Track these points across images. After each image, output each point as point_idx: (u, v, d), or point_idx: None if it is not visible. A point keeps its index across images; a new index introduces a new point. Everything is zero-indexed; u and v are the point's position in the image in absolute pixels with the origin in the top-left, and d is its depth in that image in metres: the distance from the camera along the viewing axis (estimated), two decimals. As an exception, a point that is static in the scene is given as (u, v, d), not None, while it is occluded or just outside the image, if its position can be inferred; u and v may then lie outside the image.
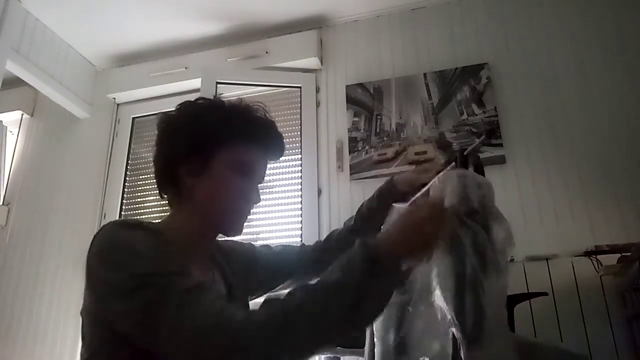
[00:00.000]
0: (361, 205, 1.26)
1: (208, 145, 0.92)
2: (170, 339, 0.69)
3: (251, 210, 0.98)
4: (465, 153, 1.02)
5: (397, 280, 0.76)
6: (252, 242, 1.16)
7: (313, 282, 0.76)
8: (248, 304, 1.06)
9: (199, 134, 0.92)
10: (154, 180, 0.97)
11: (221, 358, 0.66)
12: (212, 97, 0.99)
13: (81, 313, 0.85)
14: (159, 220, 0.96)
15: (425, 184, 1.09)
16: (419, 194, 1.09)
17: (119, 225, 0.83)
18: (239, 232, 0.96)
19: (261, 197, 0.99)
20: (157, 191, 0.97)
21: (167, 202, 0.98)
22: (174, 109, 0.98)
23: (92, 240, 0.81)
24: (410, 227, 0.78)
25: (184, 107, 0.97)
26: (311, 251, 1.18)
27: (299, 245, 1.22)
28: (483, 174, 0.98)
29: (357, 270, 0.71)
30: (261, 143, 0.97)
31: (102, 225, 0.84)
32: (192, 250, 0.91)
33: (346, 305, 0.69)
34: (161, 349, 0.71)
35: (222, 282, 0.98)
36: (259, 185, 0.99)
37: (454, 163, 1.07)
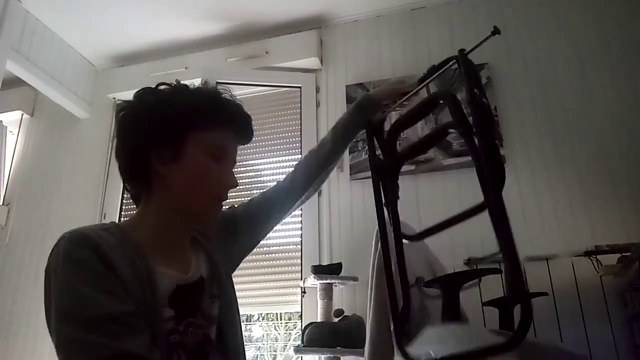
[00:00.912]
0: (336, 123, 1.30)
1: (180, 130, 0.88)
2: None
3: (227, 195, 0.95)
4: (465, 52, 1.04)
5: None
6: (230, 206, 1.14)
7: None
8: (231, 278, 1.04)
9: (169, 119, 0.88)
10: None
11: None
12: (173, 83, 0.94)
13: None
14: (128, 219, 0.93)
15: (406, 93, 1.18)
16: (400, 102, 1.19)
17: (71, 243, 0.86)
18: (214, 219, 0.95)
19: (237, 180, 0.96)
20: (127, 184, 0.94)
21: (133, 196, 0.95)
22: (143, 95, 0.93)
23: (49, 254, 0.84)
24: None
25: (146, 93, 0.92)
26: (289, 181, 1.21)
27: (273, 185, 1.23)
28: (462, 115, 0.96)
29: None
30: (231, 125, 0.95)
31: (63, 234, 0.87)
32: (167, 244, 0.89)
33: None
34: None
35: (207, 265, 0.97)
36: (233, 169, 0.97)
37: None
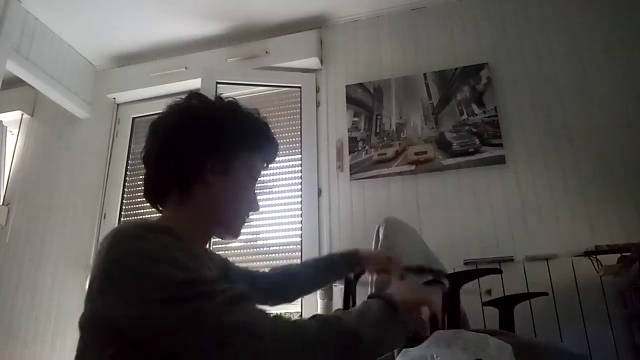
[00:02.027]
0: (326, 257, 1.38)
1: (236, 147, 0.95)
2: (222, 346, 0.68)
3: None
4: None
5: (406, 328, 0.83)
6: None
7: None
8: None
9: (230, 135, 0.94)
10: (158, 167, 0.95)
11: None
12: (230, 98, 1.00)
13: (85, 323, 0.80)
14: (161, 216, 0.94)
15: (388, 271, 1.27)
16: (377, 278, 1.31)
17: (141, 229, 0.78)
18: (238, 236, 0.99)
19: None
20: (158, 182, 0.94)
21: (156, 195, 0.95)
22: (195, 101, 0.97)
23: (110, 246, 0.76)
24: (413, 298, 0.87)
25: (218, 105, 0.97)
26: (269, 277, 1.27)
27: (259, 271, 1.29)
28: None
29: (378, 312, 0.79)
30: (268, 155, 1.03)
31: (116, 228, 0.79)
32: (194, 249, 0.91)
33: (368, 341, 0.75)
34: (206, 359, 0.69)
35: None
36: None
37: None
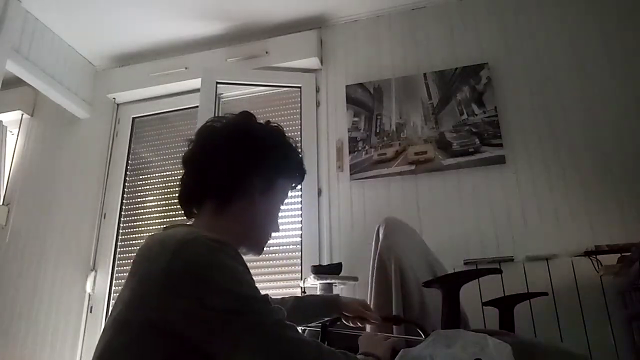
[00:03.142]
0: (307, 299, 1.42)
1: (280, 171, 1.03)
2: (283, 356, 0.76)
3: None
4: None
5: None
6: None
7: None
8: None
9: (280, 160, 1.02)
10: (201, 175, 0.98)
11: None
12: (280, 126, 1.07)
13: (130, 322, 0.78)
14: (195, 221, 0.97)
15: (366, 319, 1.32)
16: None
17: (216, 243, 0.81)
18: (260, 254, 1.04)
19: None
20: (198, 185, 0.98)
21: (201, 197, 0.97)
22: (248, 120, 1.04)
23: (181, 252, 0.78)
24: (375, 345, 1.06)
25: (269, 129, 1.04)
26: None
27: None
28: None
29: None
30: (299, 180, 1.10)
31: (185, 240, 0.80)
32: None
33: None
34: None
35: None
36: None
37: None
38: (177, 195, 1.01)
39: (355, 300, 1.37)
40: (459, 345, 0.89)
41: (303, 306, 1.33)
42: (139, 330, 0.76)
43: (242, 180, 0.97)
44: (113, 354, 0.77)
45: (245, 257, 0.88)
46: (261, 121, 1.06)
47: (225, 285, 0.76)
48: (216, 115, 2.89)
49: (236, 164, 0.96)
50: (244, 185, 0.97)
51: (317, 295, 1.41)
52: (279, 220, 1.08)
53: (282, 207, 1.08)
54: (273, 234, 1.06)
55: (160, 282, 0.76)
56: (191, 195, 0.99)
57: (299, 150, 1.09)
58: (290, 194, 1.11)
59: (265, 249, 1.06)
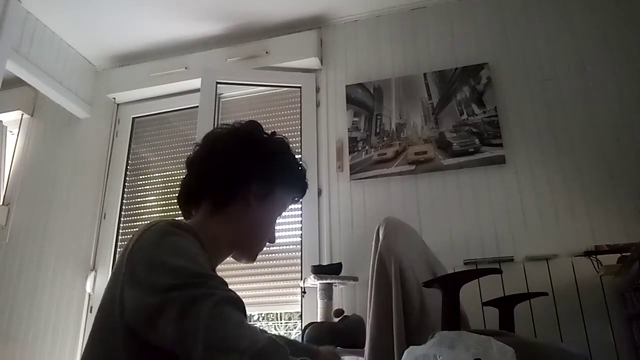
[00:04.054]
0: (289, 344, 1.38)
1: (279, 180, 1.02)
2: (193, 338, 0.69)
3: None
4: None
5: None
6: None
7: None
8: None
9: (279, 169, 1.02)
10: (201, 177, 0.98)
11: None
12: (285, 137, 1.07)
13: (109, 322, 0.78)
14: (190, 221, 0.96)
15: None
16: None
17: (168, 227, 0.82)
18: (253, 261, 1.04)
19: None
20: (197, 187, 0.98)
21: (199, 198, 0.98)
22: (253, 128, 1.04)
23: (138, 240, 0.80)
24: None
25: (273, 139, 1.05)
26: None
27: None
28: None
29: None
30: (299, 192, 1.09)
31: (145, 228, 0.82)
32: (212, 261, 0.92)
33: None
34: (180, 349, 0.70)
35: None
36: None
37: None
38: (176, 195, 1.02)
39: (331, 353, 1.34)
40: (462, 346, 0.90)
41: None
42: (113, 334, 0.76)
43: (240, 184, 0.97)
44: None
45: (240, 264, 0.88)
46: (267, 132, 1.07)
47: (174, 262, 0.74)
48: (216, 115, 2.90)
49: (235, 168, 0.97)
50: (242, 189, 0.97)
51: (299, 345, 1.37)
52: (277, 233, 1.07)
53: (278, 220, 1.07)
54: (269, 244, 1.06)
55: (123, 272, 0.77)
56: (190, 196, 1.00)
57: (302, 164, 1.09)
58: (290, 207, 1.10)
59: (265, 248, 1.06)
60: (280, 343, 0.73)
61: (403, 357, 0.92)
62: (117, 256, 2.97)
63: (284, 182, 1.03)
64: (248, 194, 0.97)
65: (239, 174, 0.97)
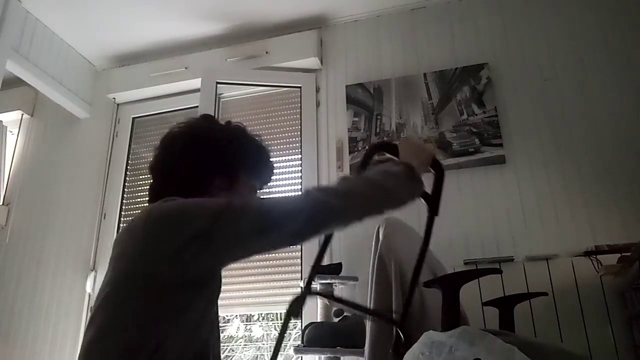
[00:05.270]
0: None
1: (241, 168, 1.04)
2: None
3: None
4: None
5: (421, 184, 1.01)
6: None
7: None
8: None
9: (236, 157, 1.04)
10: (168, 181, 1.01)
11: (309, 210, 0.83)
12: (241, 124, 1.10)
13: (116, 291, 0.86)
14: None
15: None
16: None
17: (181, 199, 0.89)
18: None
19: None
20: (165, 191, 0.98)
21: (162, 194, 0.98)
22: (207, 122, 1.07)
23: (153, 210, 0.87)
24: (417, 152, 1.05)
25: (227, 129, 1.07)
26: None
27: None
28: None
29: (399, 175, 0.96)
30: (265, 173, 1.12)
31: (157, 204, 0.90)
32: None
33: (387, 191, 0.96)
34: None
35: None
36: None
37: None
38: (147, 201, 1.03)
39: None
40: (483, 346, 0.89)
41: None
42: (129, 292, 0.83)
43: (202, 181, 0.99)
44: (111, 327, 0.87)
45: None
46: (222, 122, 1.08)
47: (198, 209, 0.83)
48: (216, 115, 2.90)
49: (195, 166, 0.99)
50: (205, 186, 0.99)
51: None
52: None
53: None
54: None
55: (141, 238, 0.84)
56: (157, 200, 0.98)
57: (263, 146, 1.11)
58: (262, 188, 1.13)
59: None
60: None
61: (420, 339, 0.93)
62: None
63: (246, 168, 1.05)
64: (213, 189, 0.99)
65: (200, 171, 1.00)
